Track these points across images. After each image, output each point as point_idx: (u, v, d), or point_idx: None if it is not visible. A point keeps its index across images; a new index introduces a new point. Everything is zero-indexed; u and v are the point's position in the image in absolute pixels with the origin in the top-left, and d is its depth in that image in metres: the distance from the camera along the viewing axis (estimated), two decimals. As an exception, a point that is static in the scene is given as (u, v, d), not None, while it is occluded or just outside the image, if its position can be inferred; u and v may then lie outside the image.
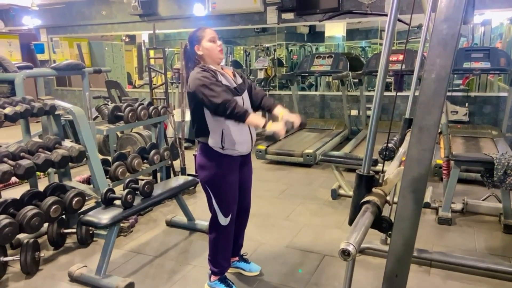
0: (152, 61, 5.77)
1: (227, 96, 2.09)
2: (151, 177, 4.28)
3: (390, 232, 1.42)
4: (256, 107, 2.42)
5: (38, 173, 3.65)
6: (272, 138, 2.04)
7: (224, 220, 2.37)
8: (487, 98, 6.14)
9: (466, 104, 6.02)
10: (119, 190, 2.89)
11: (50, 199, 2.77)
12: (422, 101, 1.27)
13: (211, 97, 2.08)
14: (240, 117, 2.08)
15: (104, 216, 2.60)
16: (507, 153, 3.15)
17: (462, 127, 5.85)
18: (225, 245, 2.45)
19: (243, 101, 2.30)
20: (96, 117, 4.28)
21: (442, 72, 1.24)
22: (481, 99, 6.15)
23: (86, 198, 3.17)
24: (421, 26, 4.89)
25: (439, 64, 1.24)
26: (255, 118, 2.11)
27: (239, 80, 2.35)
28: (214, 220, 2.40)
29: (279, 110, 2.33)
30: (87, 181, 4.25)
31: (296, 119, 2.20)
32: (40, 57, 9.32)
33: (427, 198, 3.64)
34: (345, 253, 1.21)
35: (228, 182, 2.32)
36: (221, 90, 2.11)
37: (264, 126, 2.06)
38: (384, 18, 6.44)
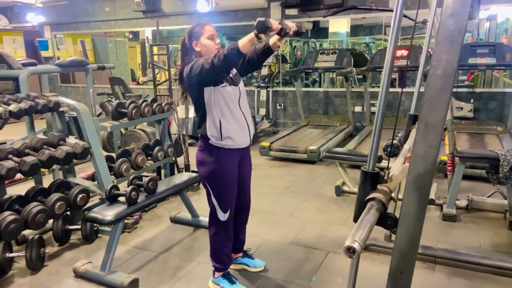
0: (155, 58, 5.76)
1: (213, 54, 2.06)
2: (155, 174, 4.29)
3: (395, 229, 1.41)
4: (257, 62, 2.37)
5: (42, 169, 3.67)
6: (263, 24, 1.90)
7: (223, 216, 2.37)
8: (493, 94, 6.10)
9: (471, 100, 5.98)
10: (123, 187, 2.89)
11: (55, 196, 2.78)
12: (428, 97, 1.26)
13: (203, 63, 2.06)
14: (233, 50, 1.97)
15: (109, 213, 2.61)
16: (512, 150, 3.13)
17: (467, 123, 5.82)
18: (225, 241, 2.46)
19: (240, 91, 2.31)
20: (100, 113, 4.30)
21: (449, 68, 1.23)
22: (486, 95, 6.11)
23: (91, 194, 3.19)
24: (425, 21, 4.85)
25: (446, 60, 1.23)
26: (243, 38, 1.99)
27: (234, 71, 2.35)
28: (213, 215, 2.41)
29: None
30: (92, 177, 4.27)
31: (291, 24, 2.09)
32: (44, 54, 9.34)
33: (431, 195, 3.62)
34: (350, 250, 1.20)
35: (227, 177, 2.33)
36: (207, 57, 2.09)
37: (257, 36, 1.96)
38: (388, 14, 6.40)
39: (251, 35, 1.96)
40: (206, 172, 2.33)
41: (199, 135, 2.33)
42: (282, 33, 2.03)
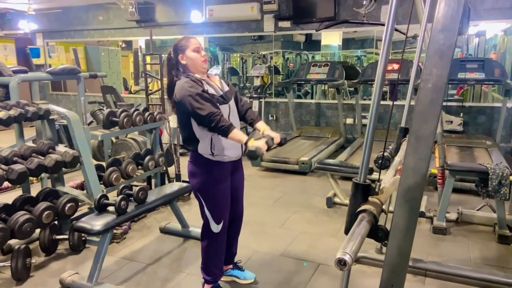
0: (148, 67, 5.75)
1: (212, 109, 2.12)
2: (145, 183, 4.25)
3: (386, 242, 1.41)
4: (240, 118, 2.46)
5: (31, 178, 3.62)
6: (254, 154, 2.05)
7: (216, 227, 2.35)
8: (482, 109, 6.19)
9: (461, 114, 6.06)
10: (113, 196, 2.86)
11: (43, 205, 2.74)
12: (418, 111, 1.27)
13: (197, 108, 2.11)
14: (223, 131, 2.11)
15: (97, 223, 2.57)
16: (501, 163, 3.17)
17: (456, 137, 5.88)
18: (217, 253, 2.43)
19: (230, 108, 2.32)
20: (91, 122, 4.26)
21: (439, 82, 1.25)
22: (476, 109, 6.19)
23: (79, 204, 3.14)
24: (416, 36, 4.93)
25: (436, 74, 1.25)
26: (238, 133, 2.14)
27: (226, 88, 2.37)
28: (206, 227, 2.39)
29: (261, 125, 2.39)
30: (81, 186, 4.22)
31: (276, 136, 2.23)
32: (35, 61, 9.28)
33: (422, 208, 3.64)
34: (341, 263, 1.20)
35: (220, 189, 2.32)
36: (207, 102, 2.14)
37: (246, 143, 2.09)
38: (379, 28, 6.49)
39: (242, 139, 2.11)
40: (198, 183, 2.31)
41: (188, 149, 2.33)
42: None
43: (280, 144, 2.26)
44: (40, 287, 2.64)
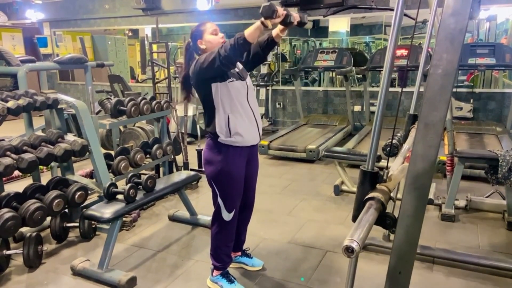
0: (155, 56, 5.74)
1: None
2: (153, 172, 4.28)
3: (394, 229, 1.40)
4: (262, 50, 2.34)
5: (41, 167, 3.66)
6: (269, 7, 1.89)
7: (227, 216, 2.36)
8: (492, 95, 6.10)
9: (471, 100, 5.98)
10: (122, 185, 2.89)
11: (53, 193, 2.77)
12: (428, 97, 1.25)
13: (208, 56, 2.05)
14: (239, 40, 1.94)
15: (107, 210, 2.60)
16: (511, 150, 3.12)
17: (466, 124, 5.82)
18: (227, 240, 2.45)
19: (248, 85, 2.30)
20: (99, 111, 4.28)
21: (449, 67, 1.22)
22: (486, 96, 6.11)
23: (89, 192, 3.18)
24: (425, 21, 4.84)
25: (446, 59, 1.22)
26: (250, 27, 1.97)
27: (240, 66, 2.35)
28: (217, 215, 2.40)
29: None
30: (90, 175, 4.26)
31: (295, 15, 2.08)
32: (43, 51, 9.31)
33: (430, 195, 3.62)
34: (348, 250, 1.20)
35: (234, 177, 2.31)
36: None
37: (263, 23, 1.95)
38: (388, 13, 6.39)
39: (257, 23, 1.95)
40: (213, 171, 2.30)
41: (208, 133, 2.31)
42: (287, 20, 2.01)
43: (301, 23, 2.06)
44: (51, 274, 2.69)
